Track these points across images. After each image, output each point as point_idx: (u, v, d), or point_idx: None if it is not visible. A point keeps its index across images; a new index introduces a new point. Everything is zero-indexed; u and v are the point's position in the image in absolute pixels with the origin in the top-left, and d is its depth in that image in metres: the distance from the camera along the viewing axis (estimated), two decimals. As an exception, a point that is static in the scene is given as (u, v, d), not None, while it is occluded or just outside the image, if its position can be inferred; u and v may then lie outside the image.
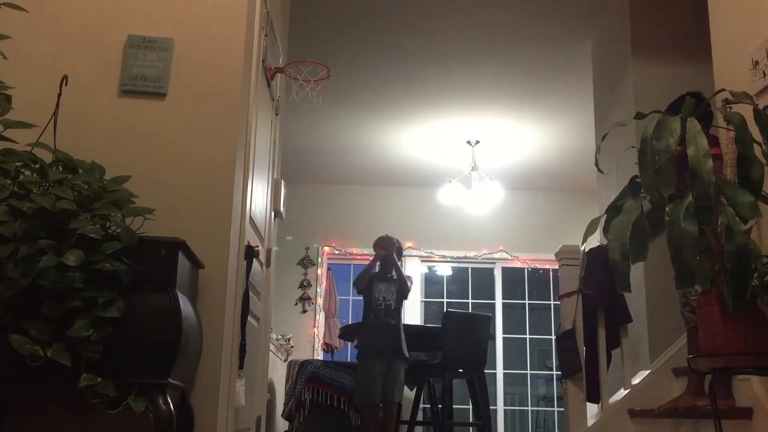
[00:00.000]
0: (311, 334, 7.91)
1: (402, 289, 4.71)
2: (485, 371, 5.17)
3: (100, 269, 1.92)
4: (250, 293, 2.79)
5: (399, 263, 4.80)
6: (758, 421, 2.57)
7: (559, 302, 3.72)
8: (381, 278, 4.73)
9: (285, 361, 5.98)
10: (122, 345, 1.94)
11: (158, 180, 2.47)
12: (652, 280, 4.19)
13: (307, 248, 8.18)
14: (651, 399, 3.45)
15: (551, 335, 8.05)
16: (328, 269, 8.23)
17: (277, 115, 3.66)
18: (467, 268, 8.44)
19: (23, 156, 2.06)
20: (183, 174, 2.51)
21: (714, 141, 2.04)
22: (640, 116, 2.20)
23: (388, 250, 4.73)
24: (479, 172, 7.01)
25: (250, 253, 2.73)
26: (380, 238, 4.84)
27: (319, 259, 8.19)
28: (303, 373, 4.84)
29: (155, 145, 2.53)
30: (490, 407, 5.75)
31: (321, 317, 7.95)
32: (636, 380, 3.60)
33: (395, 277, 4.72)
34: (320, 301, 8.03)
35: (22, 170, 2.08)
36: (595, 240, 2.99)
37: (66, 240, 1.92)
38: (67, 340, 1.86)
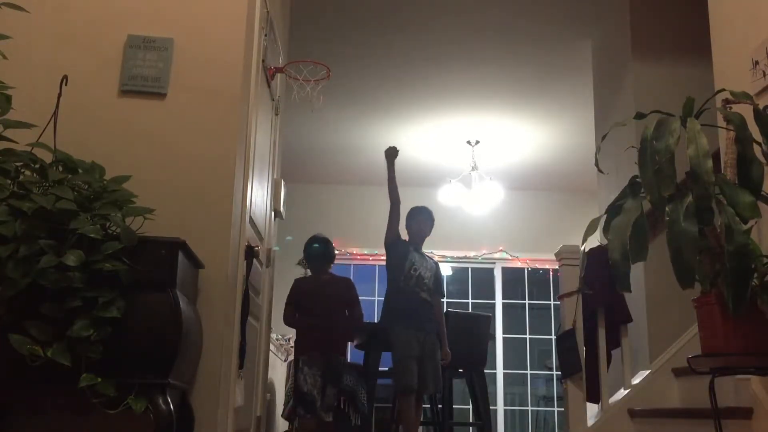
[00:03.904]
0: (311, 334, 7.89)
1: (439, 278, 4.16)
2: (485, 371, 5.16)
3: (100, 269, 1.92)
4: (250, 293, 2.79)
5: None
6: (758, 421, 2.57)
7: (559, 302, 3.72)
8: (418, 249, 4.16)
9: (285, 361, 5.98)
10: (122, 345, 1.94)
11: (158, 180, 2.47)
12: (652, 280, 4.19)
13: (307, 248, 8.16)
14: (651, 399, 3.45)
15: (551, 335, 8.05)
16: (328, 269, 8.21)
17: (277, 115, 3.66)
18: (467, 268, 8.44)
19: (23, 156, 2.06)
20: (183, 174, 2.52)
21: None
22: (640, 116, 2.20)
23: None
24: (479, 172, 7.01)
25: (250, 253, 2.73)
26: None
27: (319, 259, 8.17)
28: (303, 373, 4.82)
29: (155, 145, 2.53)
30: (490, 407, 5.75)
31: (321, 317, 7.93)
32: (636, 380, 3.59)
33: (431, 261, 4.19)
34: (320, 301, 8.01)
35: (22, 170, 2.08)
36: (595, 240, 2.99)
37: (66, 240, 1.92)
38: (67, 340, 1.87)
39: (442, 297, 4.30)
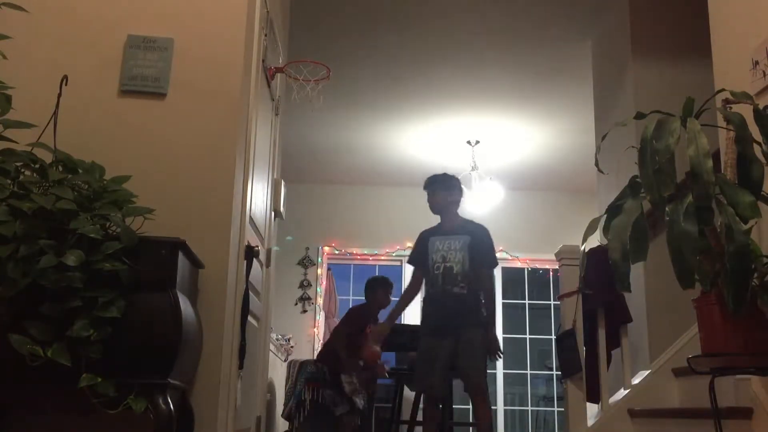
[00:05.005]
0: (311, 334, 7.91)
1: (480, 249, 3.70)
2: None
3: (100, 269, 1.92)
4: (250, 293, 2.79)
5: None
6: (758, 421, 2.57)
7: (559, 302, 3.72)
8: (442, 232, 3.82)
9: (285, 361, 5.98)
10: (122, 345, 1.94)
11: (158, 180, 2.47)
12: (652, 280, 4.19)
13: (307, 248, 8.18)
14: (651, 399, 3.45)
15: (551, 335, 8.05)
16: (328, 269, 8.23)
17: (277, 115, 3.66)
18: (467, 268, 8.42)
19: (23, 156, 2.06)
20: (183, 174, 2.51)
21: None
22: (640, 116, 2.20)
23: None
24: (479, 172, 7.01)
25: (250, 253, 2.73)
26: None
27: (319, 259, 8.19)
28: (303, 373, 4.84)
29: (155, 145, 2.53)
30: (491, 407, 5.74)
31: (321, 317, 7.96)
32: (636, 380, 3.60)
33: (464, 233, 3.74)
34: (320, 301, 8.03)
35: (22, 170, 2.08)
36: (595, 240, 2.99)
37: (66, 240, 1.92)
38: (67, 340, 1.86)
39: (490, 267, 3.80)
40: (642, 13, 4.68)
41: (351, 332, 4.68)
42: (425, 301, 3.85)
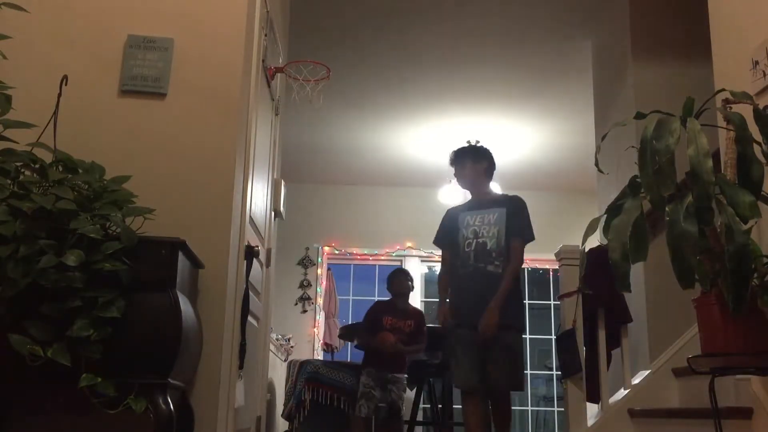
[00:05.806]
0: (311, 334, 7.91)
1: (516, 220, 3.38)
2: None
3: (100, 269, 1.92)
4: (250, 293, 2.80)
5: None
6: (758, 421, 2.57)
7: (559, 302, 3.72)
8: (473, 207, 3.56)
9: (285, 361, 5.99)
10: (122, 345, 1.94)
11: (158, 180, 2.47)
12: (652, 280, 4.19)
13: (307, 248, 8.18)
14: (651, 399, 3.45)
15: (551, 335, 8.05)
16: (328, 269, 8.23)
17: (277, 115, 3.66)
18: (467, 268, 8.42)
19: (23, 156, 2.06)
20: (183, 174, 2.52)
21: None
22: (640, 116, 2.20)
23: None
24: (479, 172, 7.00)
25: (250, 253, 2.73)
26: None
27: (319, 259, 8.19)
28: (303, 373, 4.84)
29: (155, 145, 2.53)
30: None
31: (321, 317, 7.96)
32: (636, 380, 3.60)
33: (499, 206, 3.46)
34: (320, 301, 8.03)
35: (22, 170, 2.08)
36: (595, 240, 2.99)
37: (66, 240, 1.92)
38: (67, 340, 1.87)
39: (523, 240, 3.44)
40: (642, 13, 4.68)
41: (365, 326, 4.66)
42: (453, 284, 3.49)
